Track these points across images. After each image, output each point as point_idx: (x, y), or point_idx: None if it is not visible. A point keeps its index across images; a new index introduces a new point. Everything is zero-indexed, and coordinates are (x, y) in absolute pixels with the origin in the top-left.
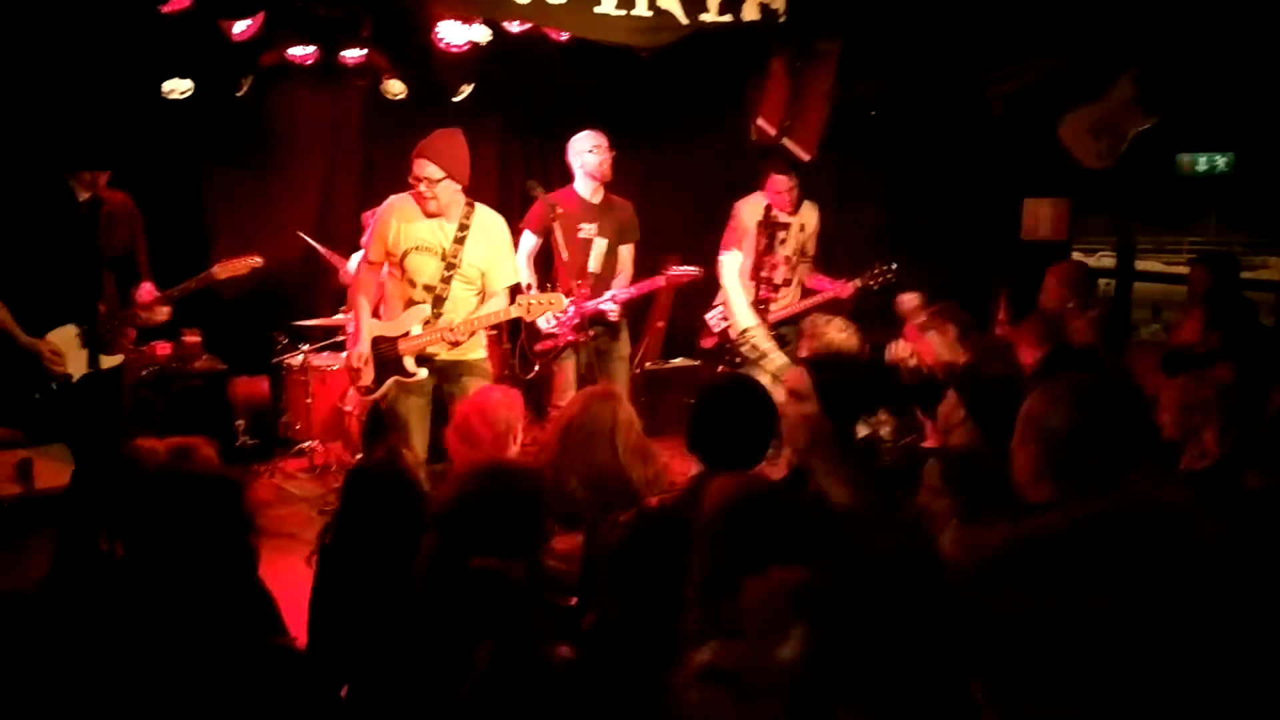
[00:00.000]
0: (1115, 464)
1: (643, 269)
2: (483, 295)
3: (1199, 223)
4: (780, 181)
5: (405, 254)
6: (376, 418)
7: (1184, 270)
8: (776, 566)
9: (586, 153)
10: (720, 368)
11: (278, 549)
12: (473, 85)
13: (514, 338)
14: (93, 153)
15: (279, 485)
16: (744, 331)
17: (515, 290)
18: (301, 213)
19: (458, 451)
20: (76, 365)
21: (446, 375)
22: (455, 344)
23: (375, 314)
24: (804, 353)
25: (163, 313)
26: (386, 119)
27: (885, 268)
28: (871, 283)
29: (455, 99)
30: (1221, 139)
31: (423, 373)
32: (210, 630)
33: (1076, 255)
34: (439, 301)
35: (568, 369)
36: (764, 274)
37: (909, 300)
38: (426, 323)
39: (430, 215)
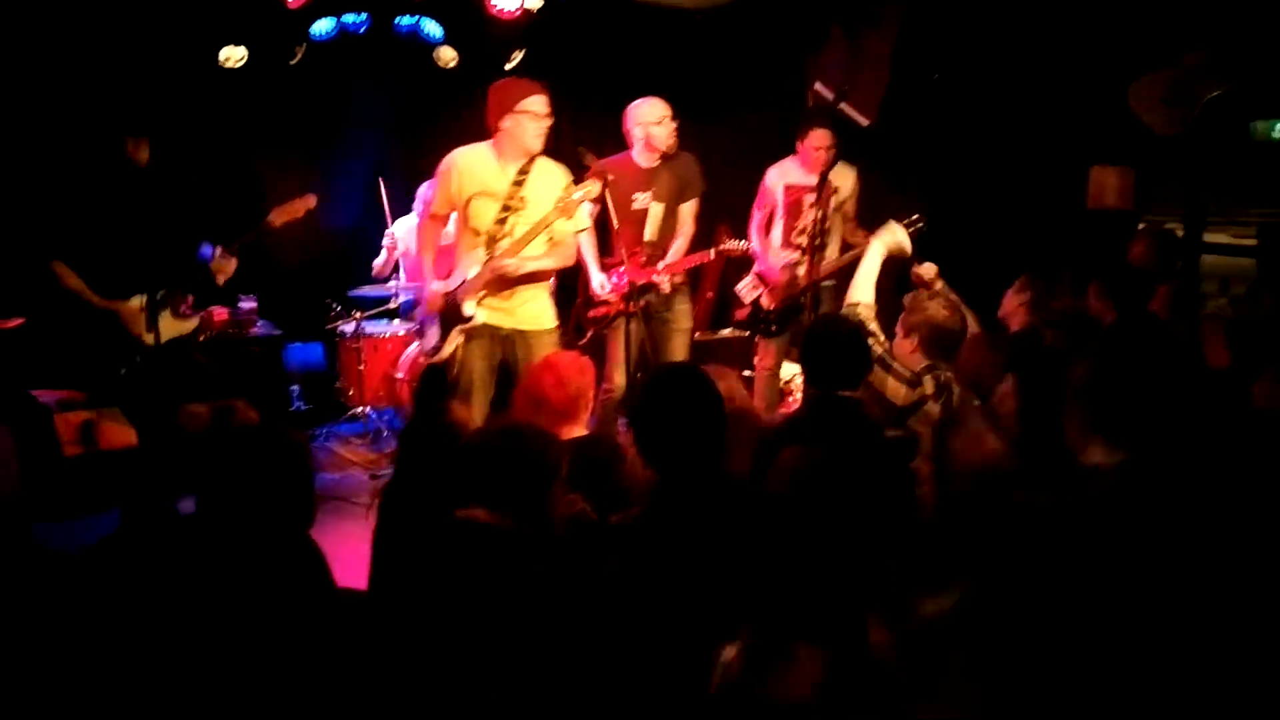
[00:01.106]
0: (1154, 414)
1: (697, 237)
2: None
3: (1273, 193)
4: (819, 136)
5: (469, 200)
6: (431, 380)
7: (1253, 242)
8: None
9: (652, 124)
10: (757, 339)
11: (331, 512)
12: (524, 52)
13: (569, 302)
14: (152, 120)
15: (332, 450)
16: (855, 304)
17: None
18: (352, 183)
19: (523, 415)
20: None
21: (513, 345)
22: (509, 288)
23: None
24: (902, 329)
25: (231, 265)
26: (438, 87)
27: (913, 218)
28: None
29: (507, 66)
30: None
31: (480, 315)
32: (274, 579)
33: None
34: (492, 244)
35: (618, 341)
36: (793, 238)
37: (928, 270)
38: (483, 264)
39: (501, 153)
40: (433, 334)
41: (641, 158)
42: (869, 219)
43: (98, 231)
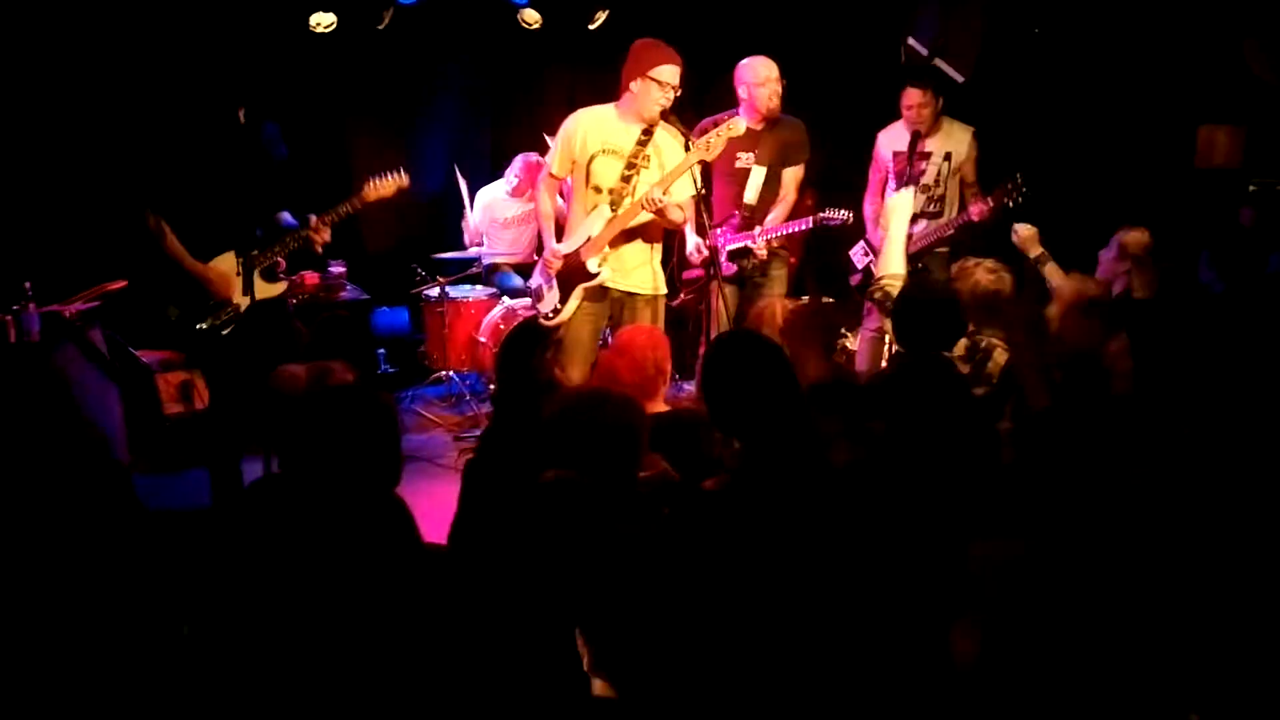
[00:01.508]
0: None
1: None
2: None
3: None
4: (912, 95)
5: (592, 158)
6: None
7: None
8: None
9: (757, 85)
10: (866, 305)
11: (416, 473)
12: (607, 12)
13: (664, 263)
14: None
15: (417, 413)
16: (882, 278)
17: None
18: (437, 148)
19: (609, 369)
20: (237, 294)
21: (621, 308)
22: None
23: (557, 236)
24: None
25: (326, 233)
26: (522, 49)
27: (1016, 184)
28: (1007, 201)
29: (590, 27)
30: None
31: (605, 272)
32: (364, 535)
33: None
34: (619, 203)
35: (715, 305)
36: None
37: (1025, 230)
38: (609, 222)
39: (627, 113)
40: (551, 296)
41: (747, 117)
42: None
43: (198, 190)
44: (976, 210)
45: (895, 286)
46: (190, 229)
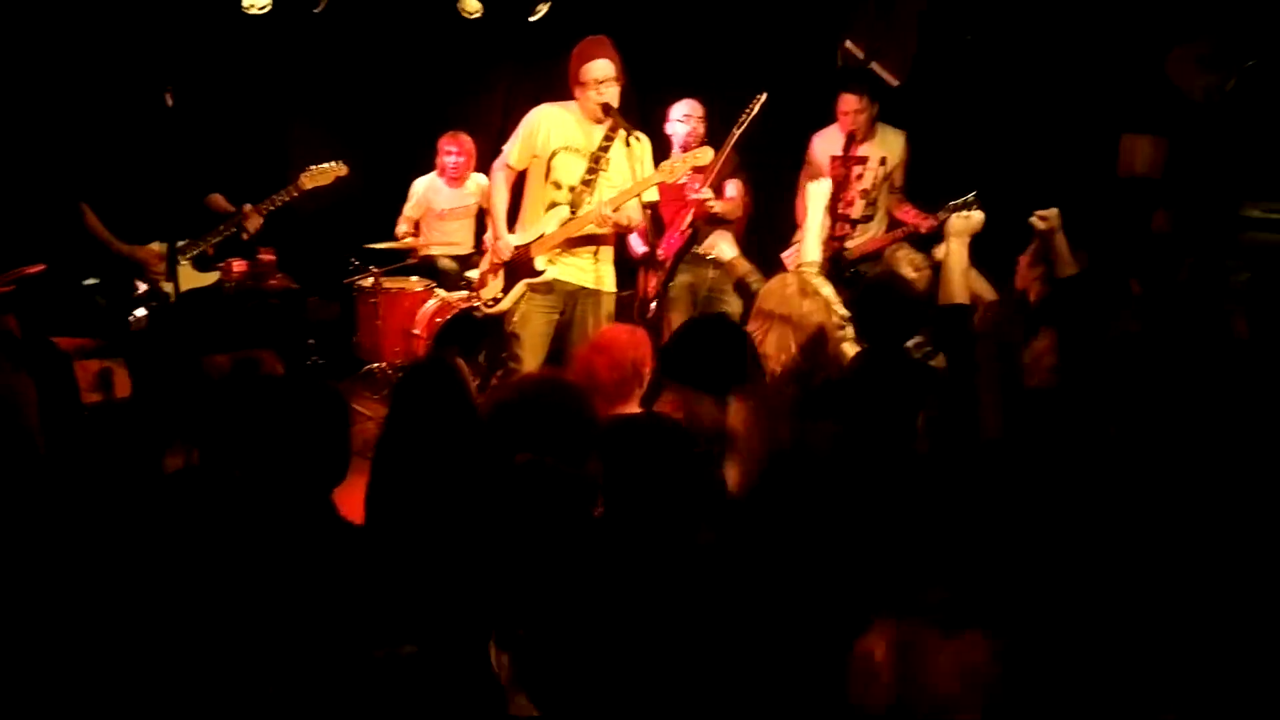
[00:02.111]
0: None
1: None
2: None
3: None
4: (849, 100)
5: (554, 154)
6: (456, 325)
7: None
8: None
9: (676, 121)
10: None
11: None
12: (549, 5)
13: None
14: (176, 66)
15: (348, 405)
16: (800, 266)
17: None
18: (377, 133)
19: (588, 368)
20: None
21: (576, 302)
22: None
23: (510, 227)
24: None
25: (257, 221)
26: (461, 38)
27: (965, 199)
28: (953, 214)
29: (531, 19)
30: None
31: (551, 271)
32: (290, 534)
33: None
34: (579, 204)
35: (673, 308)
36: (840, 210)
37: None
38: (564, 223)
39: (595, 120)
40: (494, 285)
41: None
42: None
43: (123, 174)
44: (926, 226)
45: (813, 272)
46: (120, 214)
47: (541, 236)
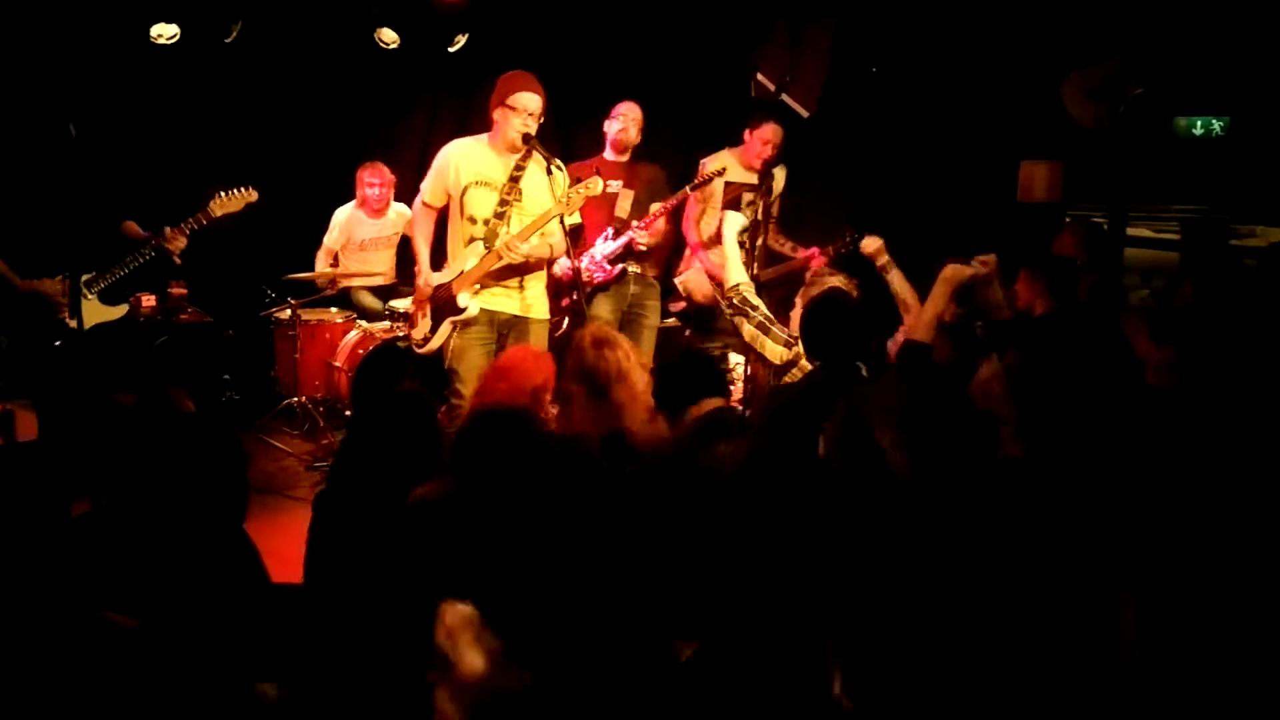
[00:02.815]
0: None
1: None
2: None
3: (1193, 188)
4: (770, 130)
5: (465, 189)
6: (377, 361)
7: (1174, 236)
8: None
9: (610, 119)
10: (686, 332)
11: (266, 506)
12: (467, 36)
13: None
14: (83, 97)
15: (266, 441)
16: (736, 285)
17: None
18: (293, 164)
19: (487, 391)
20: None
21: (510, 330)
22: (516, 278)
23: (434, 265)
24: (802, 300)
25: (181, 241)
26: (379, 68)
27: (849, 238)
28: (843, 249)
29: (450, 50)
30: (1218, 103)
31: (473, 307)
32: (203, 576)
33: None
34: (493, 237)
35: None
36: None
37: (872, 243)
38: (482, 259)
39: (494, 144)
40: (423, 325)
41: (610, 155)
42: (796, 219)
43: (22, 207)
44: (817, 262)
45: (750, 290)
46: (22, 248)
47: (461, 274)
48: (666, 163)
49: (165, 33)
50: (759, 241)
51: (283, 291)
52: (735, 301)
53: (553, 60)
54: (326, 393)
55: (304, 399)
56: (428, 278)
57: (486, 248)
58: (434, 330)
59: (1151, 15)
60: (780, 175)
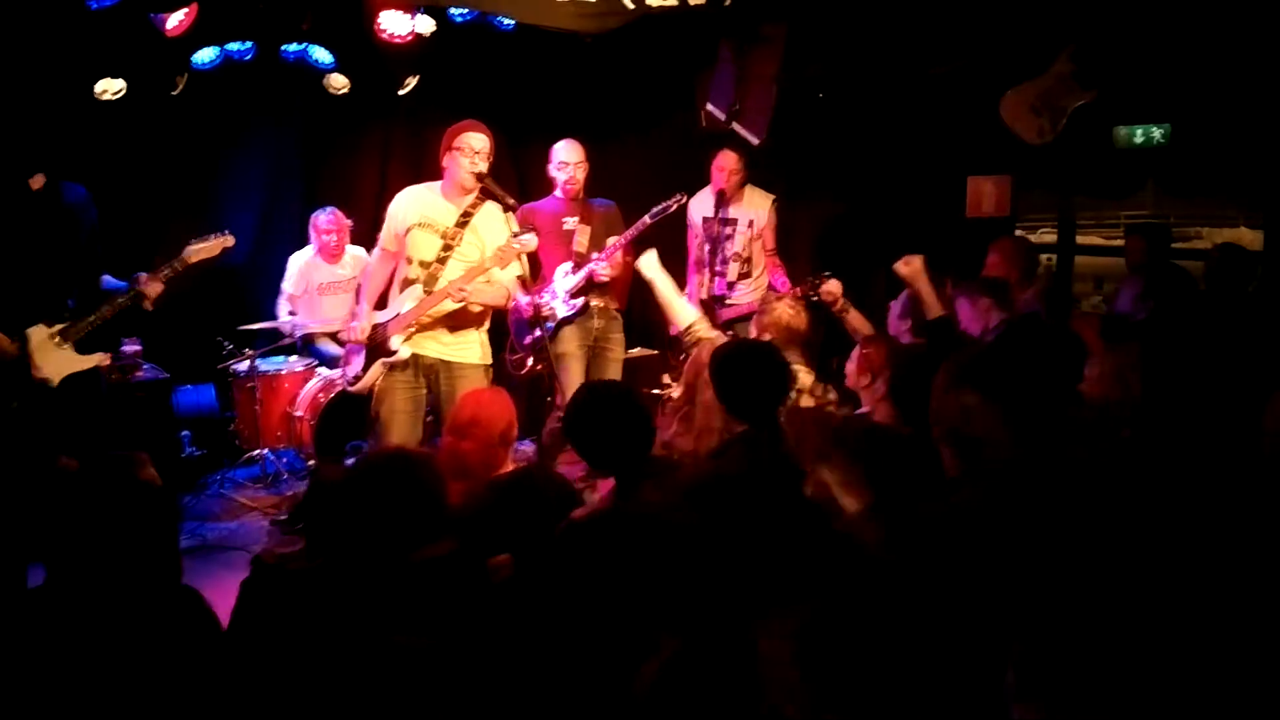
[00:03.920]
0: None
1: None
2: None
3: (1137, 195)
4: (728, 158)
5: (409, 230)
6: (341, 412)
7: (1122, 242)
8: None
9: (555, 169)
10: (682, 355)
11: (229, 562)
12: (418, 78)
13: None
14: (32, 154)
15: (229, 497)
16: (689, 327)
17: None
18: (245, 213)
19: (453, 454)
20: (55, 367)
21: (437, 375)
22: (452, 324)
23: (379, 306)
24: (754, 330)
25: (156, 287)
26: (330, 114)
27: (816, 280)
28: (812, 294)
29: (401, 92)
30: (1157, 111)
31: (404, 351)
32: (143, 637)
33: (1019, 231)
34: (433, 280)
35: (566, 368)
36: (716, 269)
37: (832, 289)
38: (420, 301)
39: (446, 189)
40: (357, 362)
41: (563, 195)
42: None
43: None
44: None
45: (703, 327)
46: None
47: (398, 315)
48: (625, 195)
49: (111, 88)
50: (747, 270)
51: (238, 342)
52: (691, 343)
53: (504, 99)
54: (289, 443)
55: (266, 451)
56: (362, 320)
57: (425, 291)
58: (364, 370)
59: (1089, 27)
60: (764, 204)
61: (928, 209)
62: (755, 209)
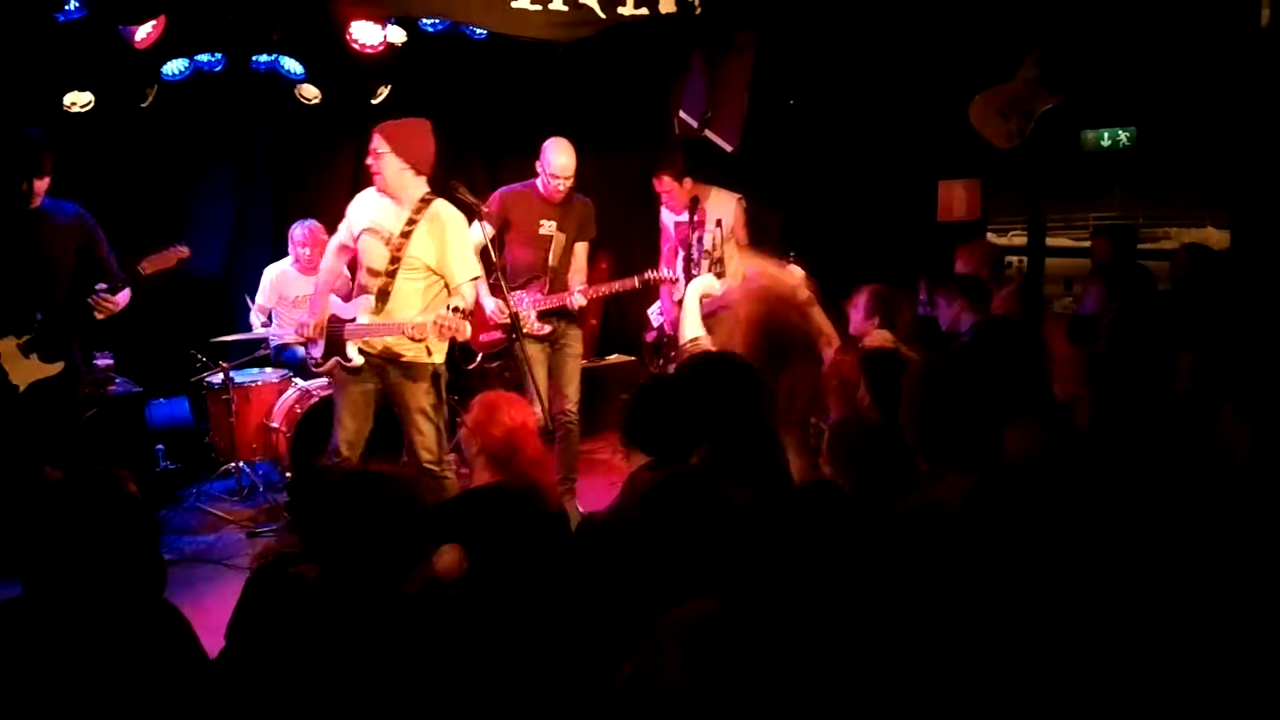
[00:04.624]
0: (973, 436)
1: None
2: (443, 290)
3: (1104, 197)
4: (662, 182)
5: (359, 235)
6: (319, 418)
7: (1089, 244)
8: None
9: (550, 176)
10: (660, 361)
11: (206, 576)
12: (390, 88)
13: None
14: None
15: (205, 510)
16: (694, 339)
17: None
18: (218, 225)
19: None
20: (22, 375)
21: (385, 371)
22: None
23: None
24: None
25: (117, 303)
26: (301, 125)
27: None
28: None
29: (373, 102)
30: (1123, 114)
31: (358, 361)
32: (122, 654)
33: (990, 235)
34: (384, 295)
35: (540, 369)
36: (691, 272)
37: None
38: (373, 317)
39: (380, 191)
40: (318, 348)
41: (543, 189)
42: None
43: None
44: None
45: (703, 345)
46: None
47: (355, 323)
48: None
49: (79, 100)
50: (732, 268)
51: (212, 355)
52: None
53: (477, 109)
54: (265, 455)
55: (242, 463)
56: (323, 312)
57: (379, 304)
58: (326, 357)
59: (1054, 32)
60: (729, 204)
61: (899, 213)
62: (722, 208)
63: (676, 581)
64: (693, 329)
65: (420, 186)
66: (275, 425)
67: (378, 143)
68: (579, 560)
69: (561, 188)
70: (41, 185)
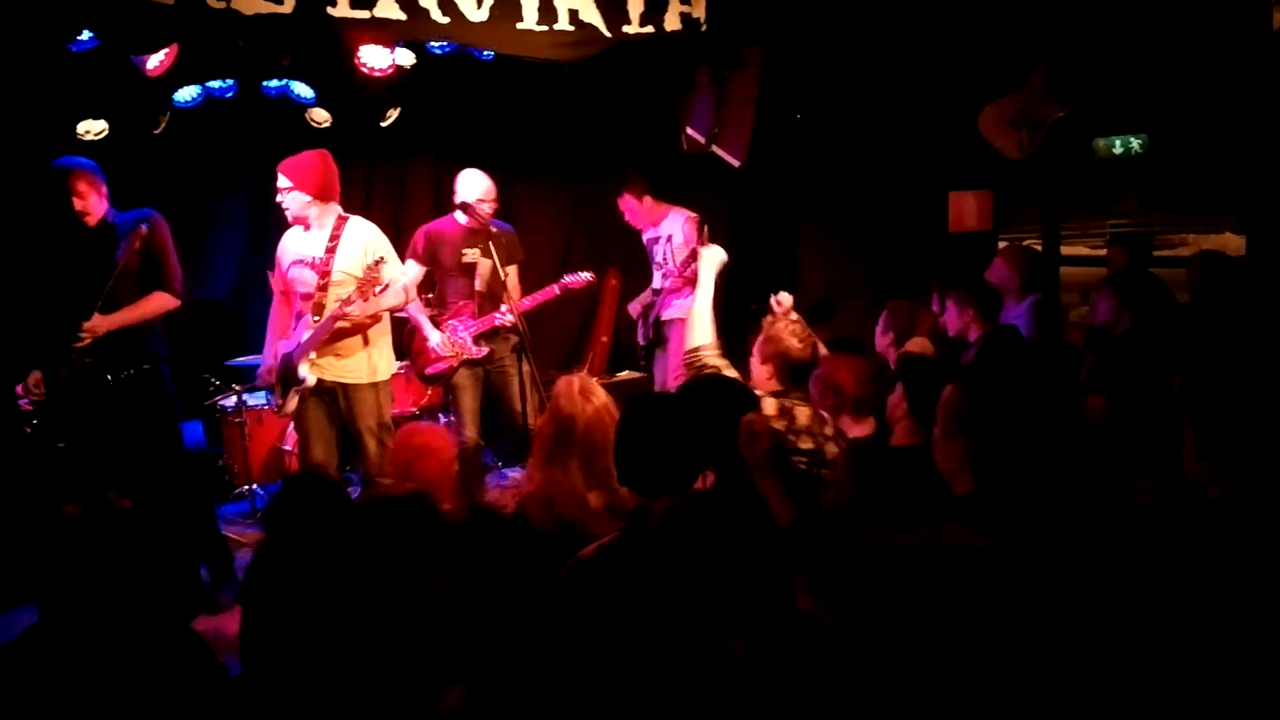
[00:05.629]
0: (1026, 458)
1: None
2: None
3: (1119, 204)
4: (626, 200)
5: (288, 269)
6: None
7: (1105, 252)
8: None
9: (475, 200)
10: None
11: None
12: (399, 110)
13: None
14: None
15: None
16: (697, 349)
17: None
18: (230, 250)
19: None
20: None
21: (336, 398)
22: (346, 335)
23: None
24: (759, 355)
25: (103, 325)
26: (313, 148)
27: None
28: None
29: (383, 124)
30: (1135, 121)
31: (311, 378)
32: (158, 678)
33: (1003, 244)
34: (319, 309)
35: (464, 395)
36: (653, 280)
37: (785, 299)
38: (311, 329)
39: (296, 224)
40: (279, 391)
41: (461, 220)
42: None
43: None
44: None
45: (711, 356)
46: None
47: (299, 345)
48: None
49: (93, 128)
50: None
51: (226, 378)
52: (694, 365)
53: (485, 130)
54: (279, 478)
55: (255, 486)
56: (272, 356)
57: (315, 317)
58: (283, 397)
59: (1063, 41)
60: (676, 222)
61: (910, 225)
62: (673, 225)
63: (707, 606)
64: (701, 335)
65: (332, 211)
66: (288, 448)
67: (281, 180)
68: (568, 602)
69: (488, 210)
70: (82, 205)
